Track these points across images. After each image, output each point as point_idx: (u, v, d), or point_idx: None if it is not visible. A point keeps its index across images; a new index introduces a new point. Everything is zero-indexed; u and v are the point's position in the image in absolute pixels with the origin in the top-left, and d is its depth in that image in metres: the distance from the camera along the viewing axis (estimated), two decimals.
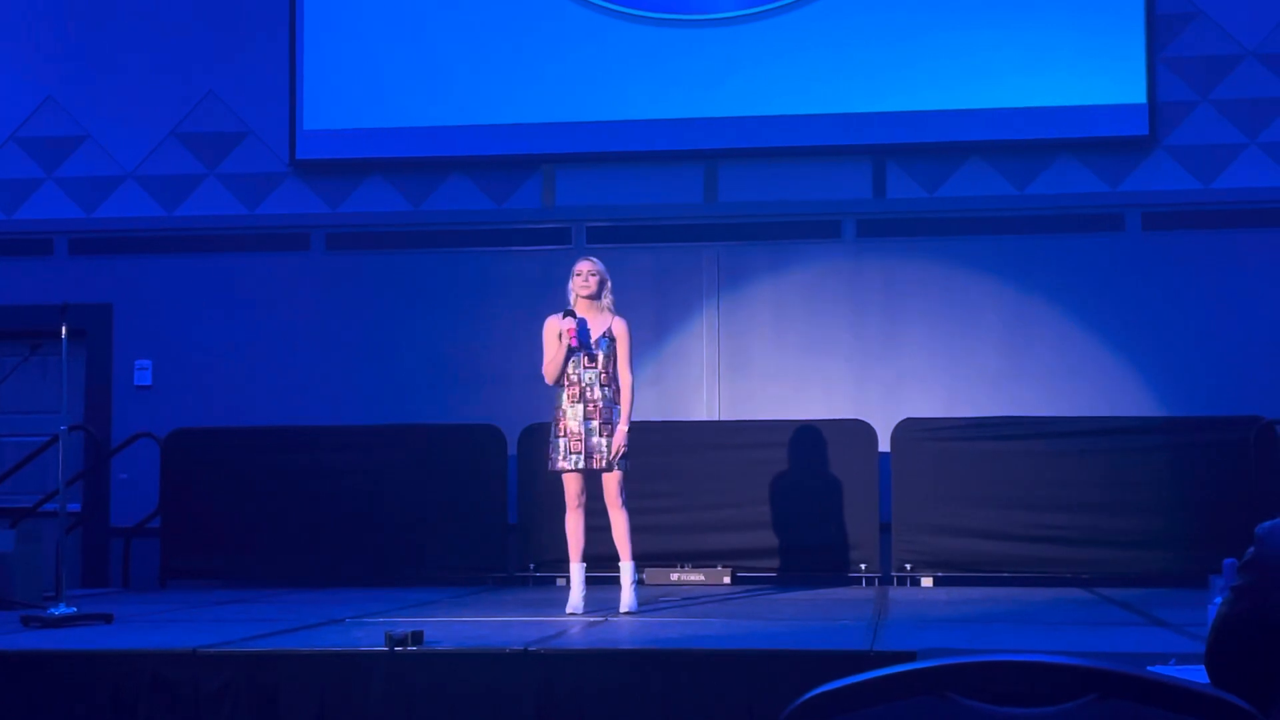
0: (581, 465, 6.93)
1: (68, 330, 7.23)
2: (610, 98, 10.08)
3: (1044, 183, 9.79)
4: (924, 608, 7.42)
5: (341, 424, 9.74)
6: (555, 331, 7.01)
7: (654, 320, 9.63)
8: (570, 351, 6.96)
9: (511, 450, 9.26)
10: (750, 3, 9.98)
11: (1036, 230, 9.76)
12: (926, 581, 8.85)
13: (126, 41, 10.54)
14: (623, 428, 6.95)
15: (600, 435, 6.92)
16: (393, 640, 5.35)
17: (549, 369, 6.99)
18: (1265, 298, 9.51)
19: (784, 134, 9.91)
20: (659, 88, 10.04)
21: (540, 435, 8.64)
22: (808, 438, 9.03)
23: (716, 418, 9.79)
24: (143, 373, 10.33)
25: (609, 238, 9.86)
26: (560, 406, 6.99)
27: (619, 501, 6.96)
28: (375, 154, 10.25)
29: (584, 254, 7.53)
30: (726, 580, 8.84)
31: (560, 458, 6.96)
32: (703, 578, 8.83)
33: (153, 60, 10.51)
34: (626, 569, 7.01)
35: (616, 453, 6.91)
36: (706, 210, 10.08)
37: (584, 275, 7.04)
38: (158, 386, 10.30)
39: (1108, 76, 9.68)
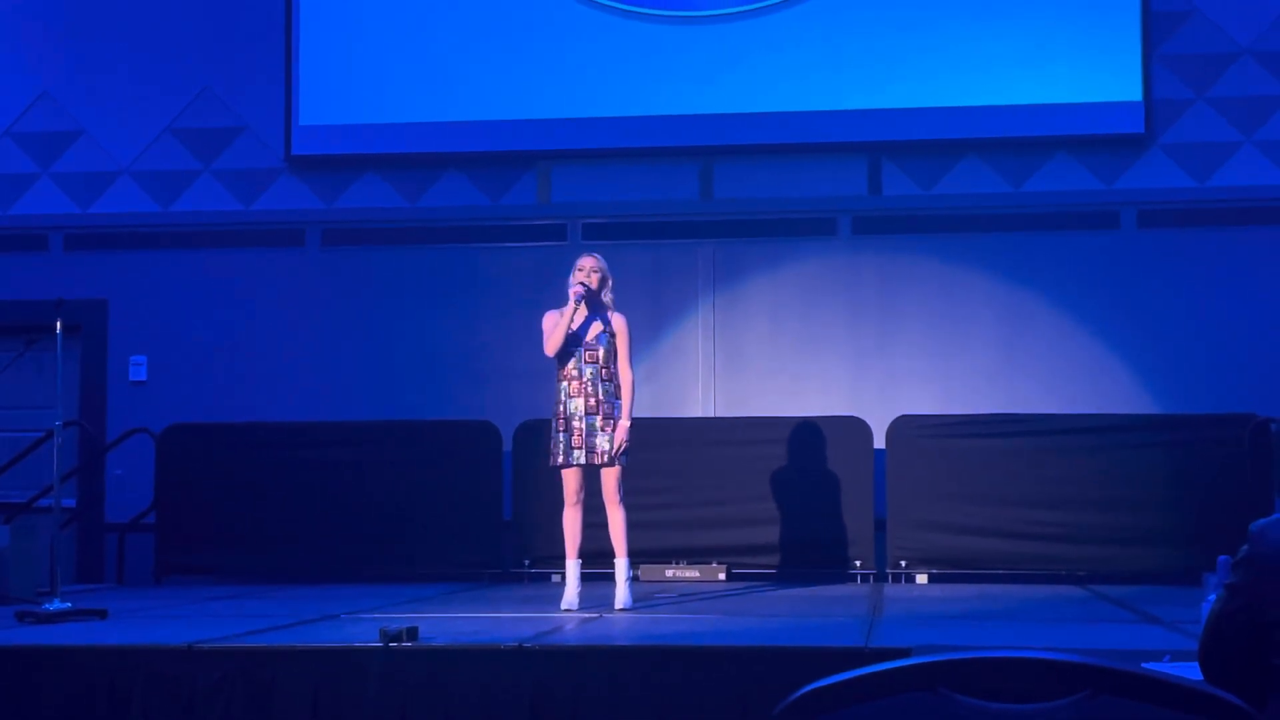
0: (583, 460, 6.93)
1: (63, 326, 7.22)
2: (606, 94, 10.08)
3: (1039, 180, 9.80)
4: (919, 604, 7.42)
5: (337, 420, 9.72)
6: (553, 322, 7.03)
7: (650, 317, 9.62)
8: (573, 342, 6.95)
9: (507, 446, 9.25)
10: None
11: (1032, 228, 9.77)
12: (921, 578, 8.85)
13: (122, 37, 10.53)
14: (624, 423, 6.95)
15: (602, 430, 6.92)
16: (387, 636, 5.35)
17: (554, 336, 6.96)
18: (1260, 296, 9.51)
19: (779, 131, 9.91)
20: (655, 84, 10.03)
21: (535, 431, 8.65)
22: (803, 434, 9.03)
23: (712, 414, 9.79)
24: (138, 368, 10.32)
25: (605, 234, 9.86)
26: (561, 401, 6.99)
27: (617, 497, 6.96)
28: (371, 150, 10.25)
29: (581, 250, 7.54)
30: (722, 577, 8.84)
31: (561, 453, 6.96)
32: (698, 574, 8.83)
33: (148, 56, 10.49)
34: (621, 565, 7.01)
35: (619, 447, 6.91)
36: (702, 207, 10.08)
37: (585, 271, 7.04)
38: (153, 382, 10.29)
39: (1103, 74, 9.68)
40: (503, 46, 10.17)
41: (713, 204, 10.08)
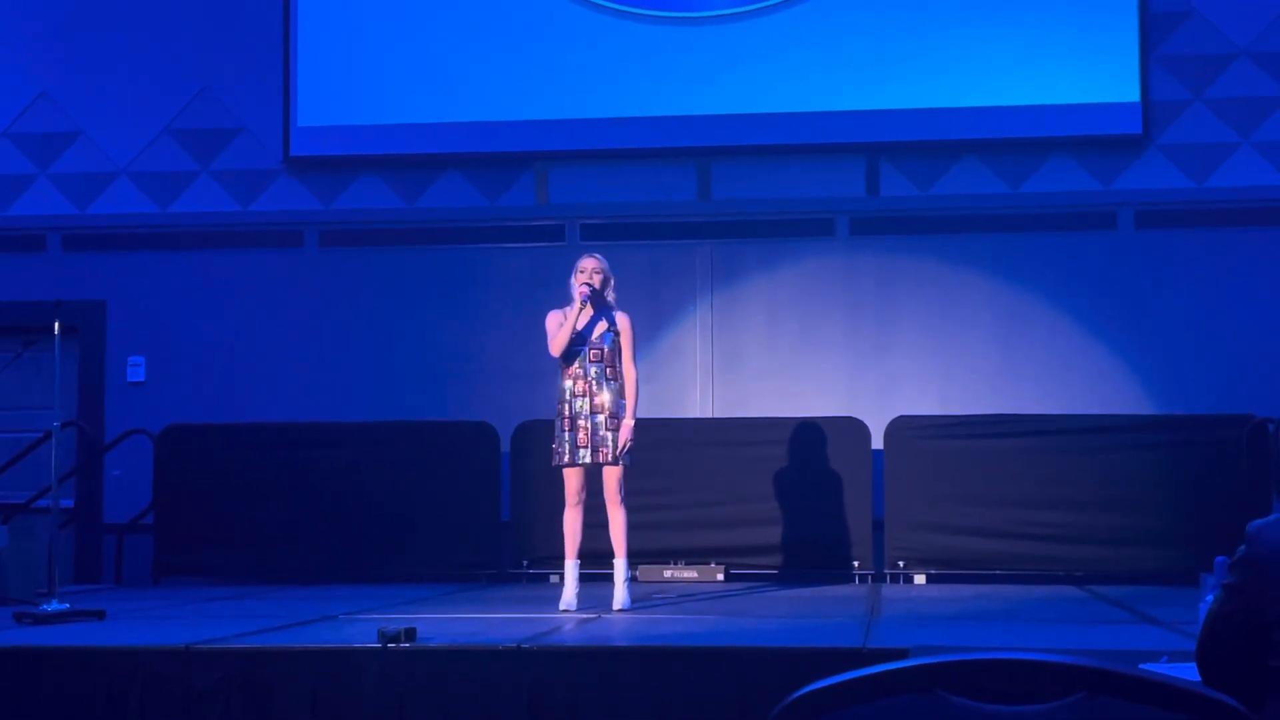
0: (588, 460, 6.92)
1: (61, 327, 7.22)
2: (604, 95, 10.08)
3: (1037, 181, 9.80)
4: (917, 605, 7.43)
5: (334, 420, 9.72)
6: (556, 322, 7.03)
7: (648, 318, 9.61)
8: (578, 341, 6.95)
9: (505, 447, 9.25)
10: (743, 1, 9.98)
11: (1029, 228, 9.77)
12: (919, 579, 8.86)
13: (120, 37, 10.52)
14: (629, 422, 6.95)
15: (607, 429, 6.93)
16: (385, 637, 5.35)
17: (560, 336, 6.95)
18: (1257, 296, 9.52)
19: (777, 132, 9.91)
20: (653, 85, 10.04)
21: (534, 432, 8.65)
22: (801, 435, 9.03)
23: (710, 415, 9.79)
24: (136, 369, 10.32)
25: (603, 235, 9.86)
26: (565, 400, 6.99)
27: (618, 498, 6.96)
28: (369, 151, 10.25)
29: (580, 251, 7.55)
30: (720, 577, 8.84)
31: (566, 452, 6.96)
32: (696, 575, 8.84)
33: (146, 56, 10.49)
34: (620, 566, 7.01)
35: (623, 446, 6.91)
36: (700, 208, 10.08)
37: (588, 272, 7.04)
38: (151, 383, 10.29)
39: (1101, 75, 9.69)
40: (501, 47, 10.17)
41: (711, 205, 10.08)
